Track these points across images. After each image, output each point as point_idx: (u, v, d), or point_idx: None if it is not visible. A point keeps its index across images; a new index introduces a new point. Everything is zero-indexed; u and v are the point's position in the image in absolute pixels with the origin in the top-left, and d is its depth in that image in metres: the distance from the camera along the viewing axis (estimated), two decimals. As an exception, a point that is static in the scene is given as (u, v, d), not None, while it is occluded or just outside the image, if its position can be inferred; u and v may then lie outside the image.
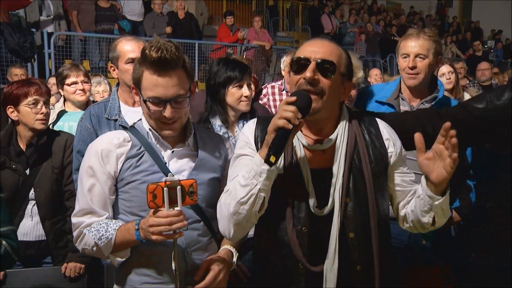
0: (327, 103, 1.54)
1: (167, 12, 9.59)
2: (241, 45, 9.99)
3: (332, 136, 1.60)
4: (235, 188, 1.52)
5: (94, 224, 1.74)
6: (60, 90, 3.54)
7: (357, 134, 1.62)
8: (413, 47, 2.50)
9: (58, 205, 2.63)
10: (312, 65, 1.52)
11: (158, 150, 1.78)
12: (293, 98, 1.46)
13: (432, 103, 2.51)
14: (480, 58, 11.44)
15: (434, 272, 2.21)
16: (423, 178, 1.52)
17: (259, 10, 13.80)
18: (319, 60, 1.52)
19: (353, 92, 2.70)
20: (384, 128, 1.70)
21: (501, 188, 1.93)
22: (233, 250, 1.82)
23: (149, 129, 1.77)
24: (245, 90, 2.47)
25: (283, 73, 4.20)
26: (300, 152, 1.59)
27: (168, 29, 8.92)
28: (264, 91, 4.28)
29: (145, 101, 1.69)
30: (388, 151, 1.65)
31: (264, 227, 1.64)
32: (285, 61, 4.18)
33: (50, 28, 8.14)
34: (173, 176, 1.65)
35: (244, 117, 2.55)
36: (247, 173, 1.49)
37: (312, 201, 1.56)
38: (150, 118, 1.73)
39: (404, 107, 2.56)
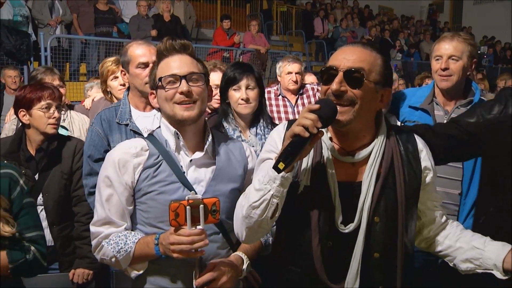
0: (359, 114, 1.45)
1: (152, 14, 9.54)
2: (237, 49, 10.00)
3: (367, 150, 1.52)
4: (250, 191, 1.50)
5: (113, 236, 1.71)
6: None
7: (394, 151, 1.54)
8: (446, 49, 2.46)
9: (66, 210, 2.60)
10: (339, 76, 1.44)
11: (177, 159, 1.74)
12: (316, 106, 1.38)
13: (468, 107, 2.43)
14: (473, 64, 11.53)
15: None
16: (501, 247, 1.54)
17: (253, 14, 13.85)
18: (346, 70, 1.44)
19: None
20: (423, 147, 1.62)
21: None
22: (245, 257, 1.77)
23: (174, 133, 1.73)
24: (241, 93, 2.43)
25: (278, 78, 4.21)
26: (329, 162, 1.51)
27: (153, 32, 8.80)
28: None
29: (160, 80, 1.71)
30: (424, 171, 1.58)
31: (286, 236, 1.60)
32: (280, 66, 4.18)
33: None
34: (196, 193, 1.63)
35: (257, 121, 2.53)
36: (262, 177, 1.45)
37: (338, 217, 1.50)
38: (167, 101, 1.70)
39: (438, 112, 2.51)
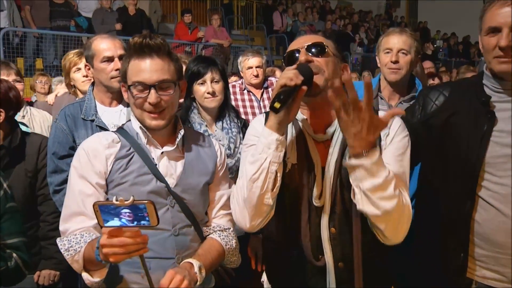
0: (328, 81, 1.52)
1: (117, 8, 9.33)
2: (199, 44, 9.92)
3: (332, 127, 1.58)
4: (245, 168, 1.49)
5: (70, 234, 1.63)
6: None
7: None
8: (396, 43, 2.54)
9: (31, 210, 2.49)
10: (302, 51, 1.53)
11: (148, 151, 1.72)
12: (294, 66, 1.48)
13: (410, 103, 2.49)
14: (429, 57, 11.94)
15: None
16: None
17: (214, 8, 13.76)
18: (307, 45, 1.54)
19: None
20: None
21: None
22: (193, 261, 1.66)
23: (140, 127, 1.71)
24: (207, 87, 2.42)
25: (241, 74, 4.22)
26: (309, 140, 1.58)
27: (118, 26, 8.63)
28: None
29: (129, 87, 1.65)
30: (382, 141, 1.55)
31: (275, 218, 1.61)
32: (241, 61, 4.19)
33: (4, 24, 7.71)
34: (168, 184, 1.65)
35: (222, 115, 2.53)
36: (255, 150, 1.47)
37: (315, 191, 1.54)
38: (136, 108, 1.68)
39: (382, 106, 2.58)
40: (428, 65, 7.31)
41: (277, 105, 1.40)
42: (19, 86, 3.28)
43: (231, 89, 4.19)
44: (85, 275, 1.57)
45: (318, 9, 16.15)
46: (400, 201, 1.40)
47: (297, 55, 1.55)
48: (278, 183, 1.48)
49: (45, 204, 2.50)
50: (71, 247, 1.58)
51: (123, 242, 1.35)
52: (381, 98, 2.61)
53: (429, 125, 1.84)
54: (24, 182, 2.45)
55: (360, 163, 1.36)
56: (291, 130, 1.59)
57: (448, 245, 1.76)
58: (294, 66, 1.48)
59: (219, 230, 1.83)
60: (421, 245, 1.86)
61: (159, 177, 1.69)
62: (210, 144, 1.89)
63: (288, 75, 1.42)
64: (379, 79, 2.66)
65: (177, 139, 1.75)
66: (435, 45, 16.33)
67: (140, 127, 1.72)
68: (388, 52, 2.55)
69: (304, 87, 1.44)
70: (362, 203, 1.40)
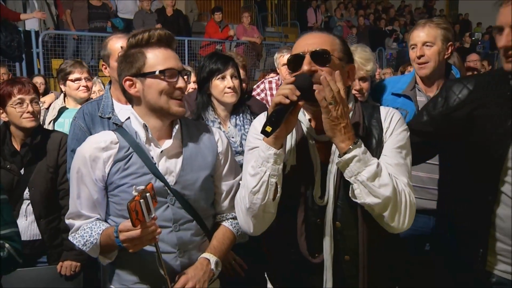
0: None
1: (155, 9, 9.59)
2: (231, 42, 9.99)
3: None
4: (246, 179, 1.54)
5: (79, 230, 1.76)
6: (61, 86, 3.57)
7: (360, 127, 1.58)
8: (419, 36, 2.51)
9: (53, 203, 2.63)
10: (307, 58, 1.51)
11: (147, 150, 1.74)
12: (292, 79, 1.47)
13: None
14: (469, 50, 11.56)
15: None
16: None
17: (247, 6, 13.79)
18: (312, 51, 1.51)
19: (366, 86, 2.64)
20: (387, 116, 1.62)
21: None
22: (210, 256, 1.77)
23: (143, 125, 1.73)
24: (228, 81, 2.46)
25: (278, 70, 4.24)
26: (310, 142, 1.59)
27: (158, 26, 8.84)
28: (261, 86, 4.33)
29: (162, 72, 1.66)
30: (384, 138, 1.58)
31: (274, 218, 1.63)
32: (276, 58, 4.21)
33: (35, 26, 8.03)
34: (167, 183, 1.70)
35: (236, 112, 2.55)
36: (255, 162, 1.50)
37: (316, 192, 1.56)
38: (162, 95, 1.68)
39: (420, 98, 2.54)
40: (474, 57, 7.13)
41: (268, 129, 1.41)
42: (89, 83, 3.51)
43: (267, 85, 4.25)
44: (101, 258, 1.78)
45: (354, 5, 15.89)
46: (395, 186, 1.45)
47: (302, 55, 1.53)
48: (279, 193, 1.52)
49: (66, 198, 2.57)
50: (86, 241, 1.72)
51: (139, 236, 1.54)
52: (419, 90, 2.58)
53: (452, 118, 1.81)
54: (45, 177, 2.59)
55: (353, 155, 1.42)
56: (292, 132, 1.59)
57: (468, 239, 1.75)
58: (292, 79, 1.47)
59: (231, 218, 1.89)
60: (441, 237, 1.86)
61: (159, 176, 1.72)
62: (209, 134, 1.88)
63: (283, 92, 1.42)
64: (415, 72, 2.63)
65: (173, 133, 1.76)
66: (473, 38, 15.74)
67: (144, 125, 1.73)
68: (413, 48, 2.53)
69: (301, 103, 1.45)
70: (362, 196, 1.44)
